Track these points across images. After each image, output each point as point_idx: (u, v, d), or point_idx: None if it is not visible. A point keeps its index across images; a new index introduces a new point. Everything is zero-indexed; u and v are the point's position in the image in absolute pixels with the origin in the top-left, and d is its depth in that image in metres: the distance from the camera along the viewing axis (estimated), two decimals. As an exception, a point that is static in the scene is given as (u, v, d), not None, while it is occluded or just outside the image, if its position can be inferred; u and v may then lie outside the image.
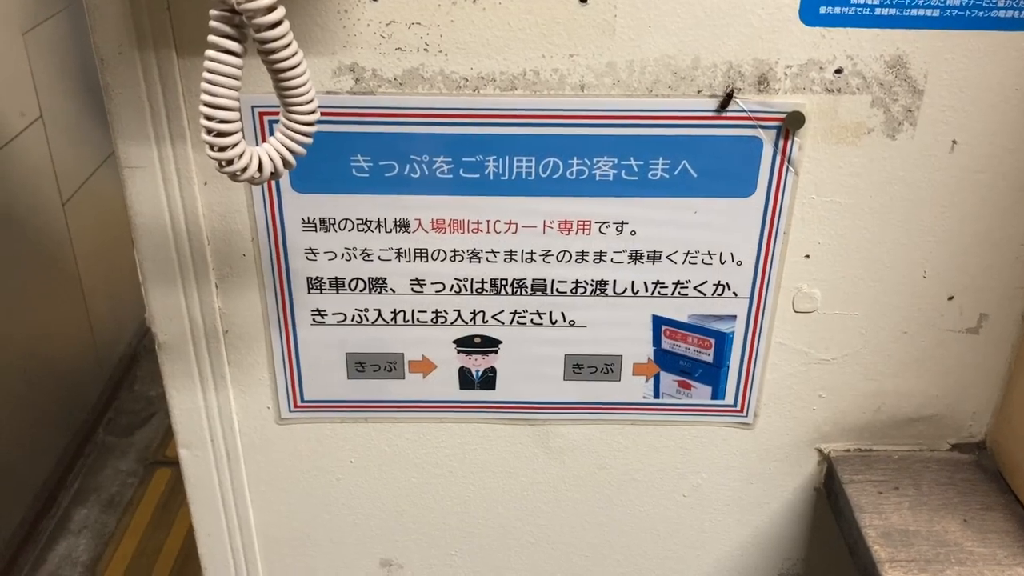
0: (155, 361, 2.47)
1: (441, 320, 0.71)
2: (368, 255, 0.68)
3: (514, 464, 0.77)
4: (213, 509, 0.77)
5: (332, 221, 0.67)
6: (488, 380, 0.73)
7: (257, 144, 0.58)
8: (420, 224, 0.67)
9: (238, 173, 0.53)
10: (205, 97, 0.50)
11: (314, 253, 0.68)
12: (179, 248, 0.67)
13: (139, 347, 2.46)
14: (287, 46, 0.51)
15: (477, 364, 0.72)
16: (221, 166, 0.52)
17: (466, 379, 0.73)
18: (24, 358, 1.81)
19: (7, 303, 1.71)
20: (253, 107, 0.62)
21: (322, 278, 0.69)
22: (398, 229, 0.67)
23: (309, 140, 0.54)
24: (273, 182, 0.65)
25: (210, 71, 0.50)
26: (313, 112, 0.54)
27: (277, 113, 0.62)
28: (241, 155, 0.52)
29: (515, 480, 0.78)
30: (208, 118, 0.51)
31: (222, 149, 0.52)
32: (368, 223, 0.67)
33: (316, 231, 0.67)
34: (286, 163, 0.54)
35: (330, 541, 0.80)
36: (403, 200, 0.66)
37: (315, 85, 0.53)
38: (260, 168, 0.53)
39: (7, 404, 1.73)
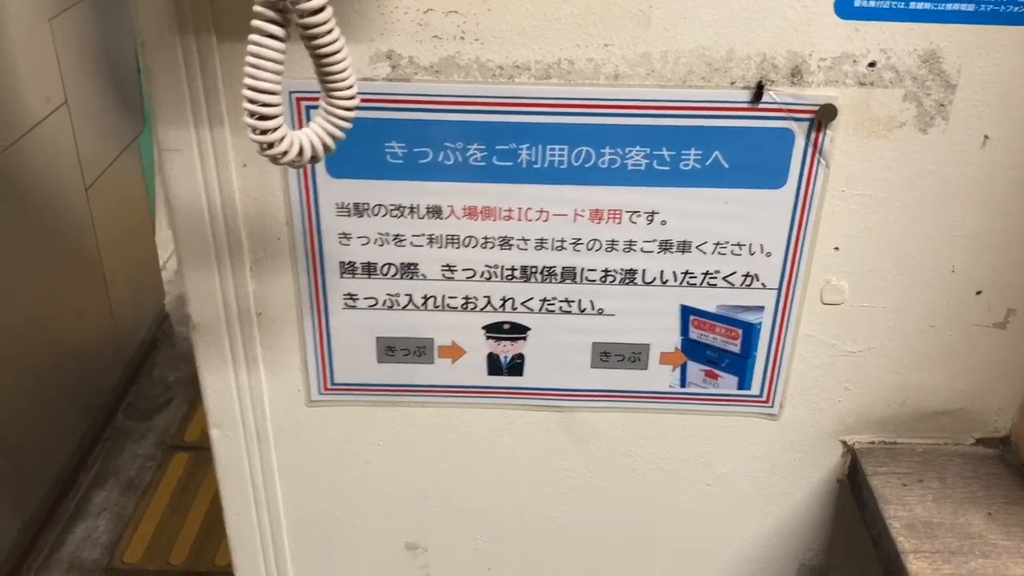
0: (173, 347, 2.49)
1: (471, 306, 0.71)
2: (400, 240, 0.69)
3: (540, 450, 0.78)
4: (242, 489, 0.79)
5: (366, 206, 0.68)
6: (516, 366, 0.74)
7: (294, 129, 0.59)
8: (452, 211, 0.68)
9: (279, 157, 0.54)
10: (248, 81, 0.51)
11: (347, 238, 0.69)
12: (215, 230, 0.68)
13: (158, 333, 2.49)
14: (329, 32, 0.52)
15: (506, 350, 0.73)
16: (263, 149, 0.53)
17: (494, 365, 0.74)
18: (46, 342, 1.83)
19: (30, 287, 1.73)
20: (291, 92, 0.63)
21: (354, 263, 0.70)
22: (430, 215, 0.68)
23: (349, 125, 0.55)
24: (309, 167, 0.66)
25: (253, 55, 0.51)
26: (353, 98, 0.54)
27: (315, 99, 0.63)
28: (282, 139, 0.53)
29: (540, 466, 0.78)
30: (251, 101, 0.52)
31: (264, 132, 0.52)
32: (401, 209, 0.68)
33: (350, 216, 0.68)
34: (326, 147, 0.55)
35: (356, 523, 0.81)
36: (436, 187, 0.67)
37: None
38: (300, 152, 0.54)
39: (29, 388, 1.75)
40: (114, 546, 1.89)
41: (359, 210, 0.68)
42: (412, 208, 0.68)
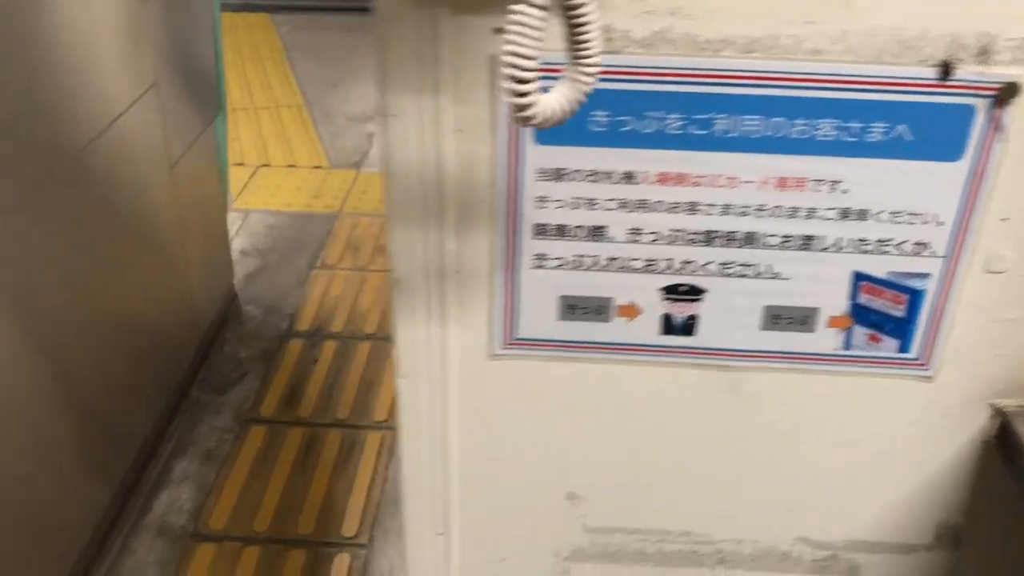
0: (241, 325, 2.55)
1: (652, 268, 0.76)
2: (593, 204, 0.74)
3: (704, 408, 0.82)
4: (421, 438, 0.84)
5: (565, 171, 0.72)
6: (688, 327, 0.79)
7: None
8: (646, 177, 0.72)
9: (530, 119, 0.58)
10: (511, 47, 0.56)
11: (543, 201, 0.74)
12: (425, 192, 0.73)
13: (228, 311, 2.55)
14: (590, 2, 0.57)
15: (681, 311, 0.78)
16: (517, 111, 0.58)
17: (668, 325, 0.79)
18: (127, 318, 1.89)
19: (115, 266, 1.79)
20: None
21: (547, 225, 0.75)
22: (624, 181, 0.73)
23: (591, 90, 0.60)
24: (517, 134, 0.71)
25: (516, 23, 0.56)
26: (599, 64, 0.59)
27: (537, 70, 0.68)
28: (535, 103, 0.58)
29: (703, 423, 0.83)
30: (513, 66, 0.57)
31: (521, 95, 0.57)
32: (597, 174, 0.73)
33: (549, 181, 0.73)
34: (570, 111, 0.60)
35: (522, 472, 0.86)
36: (632, 153, 0.71)
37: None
38: (548, 115, 0.59)
39: (112, 362, 1.82)
40: (198, 513, 1.96)
41: (558, 175, 0.73)
42: (608, 174, 0.72)
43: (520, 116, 0.58)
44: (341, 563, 1.88)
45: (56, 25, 1.41)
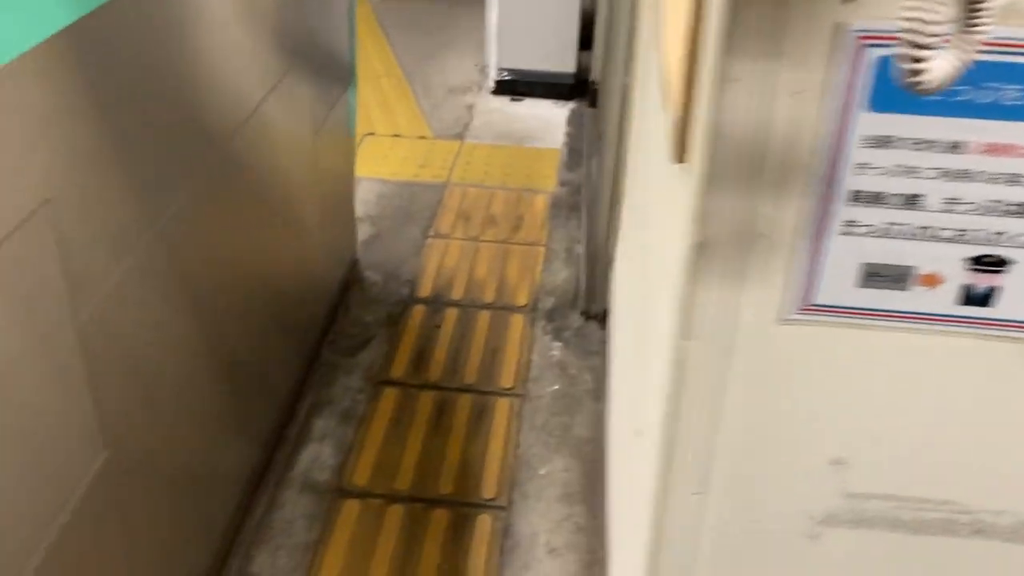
0: (363, 290, 2.59)
1: (961, 238, 0.77)
2: (913, 172, 0.74)
3: (989, 379, 0.83)
4: (699, 398, 0.86)
5: (890, 139, 0.73)
6: (986, 298, 0.79)
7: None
8: (972, 147, 0.73)
9: (921, 84, 0.59)
10: (916, 13, 0.57)
11: (864, 168, 0.75)
12: (748, 155, 0.74)
13: (351, 276, 2.60)
14: (1000, -31, 0.57)
15: (983, 282, 0.78)
16: (910, 76, 0.59)
17: (967, 295, 0.79)
18: (269, 283, 1.94)
19: (259, 235, 1.83)
20: (851, 31, 0.69)
21: (863, 191, 0.76)
22: (949, 150, 0.73)
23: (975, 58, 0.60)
24: (850, 100, 0.72)
25: (924, -8, 0.57)
26: (988, 35, 0.60)
27: (878, 38, 0.69)
28: (931, 69, 0.59)
29: (985, 394, 0.84)
30: (916, 32, 0.57)
31: (919, 60, 0.58)
32: (922, 143, 0.73)
33: (872, 148, 0.74)
34: (956, 79, 0.61)
35: (790, 435, 0.88)
36: (962, 123, 0.72)
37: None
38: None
39: (257, 325, 1.87)
40: (341, 470, 2.01)
41: (882, 142, 0.73)
42: (933, 142, 0.73)
43: (913, 81, 0.59)
44: (483, 524, 1.92)
45: (199, 22, 1.44)
